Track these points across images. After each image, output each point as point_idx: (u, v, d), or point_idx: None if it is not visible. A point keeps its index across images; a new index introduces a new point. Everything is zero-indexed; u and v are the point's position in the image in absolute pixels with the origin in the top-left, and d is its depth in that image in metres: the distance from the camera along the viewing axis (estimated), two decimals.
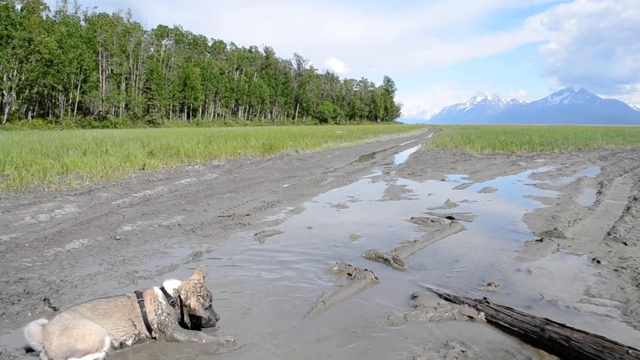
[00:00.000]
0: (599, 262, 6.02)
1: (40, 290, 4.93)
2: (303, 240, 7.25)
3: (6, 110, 65.99)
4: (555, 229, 7.56)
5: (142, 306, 3.87)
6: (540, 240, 7.00)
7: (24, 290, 4.90)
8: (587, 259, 6.23)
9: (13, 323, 4.16)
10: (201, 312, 3.93)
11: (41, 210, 8.79)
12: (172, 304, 3.96)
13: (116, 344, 3.68)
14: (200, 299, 3.96)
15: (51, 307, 4.45)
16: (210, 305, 4.03)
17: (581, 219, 8.54)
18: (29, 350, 3.61)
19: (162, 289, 4.03)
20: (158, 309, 3.90)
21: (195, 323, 4.03)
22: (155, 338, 3.89)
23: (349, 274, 5.50)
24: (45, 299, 4.64)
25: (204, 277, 4.20)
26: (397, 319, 4.29)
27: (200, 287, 4.03)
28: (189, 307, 3.94)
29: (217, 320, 4.07)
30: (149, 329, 3.87)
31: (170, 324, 3.89)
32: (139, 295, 3.94)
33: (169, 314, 3.92)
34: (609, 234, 7.46)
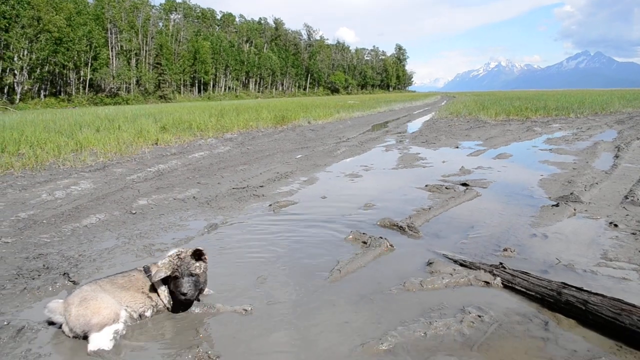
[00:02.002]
0: (616, 225, 5.96)
1: (60, 265, 5.00)
2: (317, 210, 7.25)
3: (19, 90, 66.27)
4: (571, 193, 7.48)
5: (149, 279, 3.92)
6: (557, 205, 6.93)
7: (44, 265, 4.98)
8: (604, 222, 6.17)
9: (34, 297, 4.23)
10: (156, 274, 3.81)
11: (57, 187, 8.88)
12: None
13: (135, 316, 3.75)
14: (169, 262, 3.83)
15: (71, 281, 4.52)
16: (176, 277, 3.80)
17: (598, 183, 8.43)
18: (51, 323, 3.69)
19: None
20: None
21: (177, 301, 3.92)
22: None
23: (364, 242, 5.51)
24: (64, 274, 4.71)
25: (192, 252, 3.91)
26: (413, 286, 4.30)
27: (177, 255, 3.88)
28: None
29: (181, 294, 3.77)
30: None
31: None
32: (147, 269, 3.96)
33: None
34: (626, 197, 7.37)
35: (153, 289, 3.91)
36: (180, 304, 3.92)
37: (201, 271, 3.89)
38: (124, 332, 3.55)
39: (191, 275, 3.82)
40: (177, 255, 3.88)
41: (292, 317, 3.80)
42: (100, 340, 3.37)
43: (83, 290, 3.61)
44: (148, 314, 3.83)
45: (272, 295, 4.18)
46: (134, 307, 3.75)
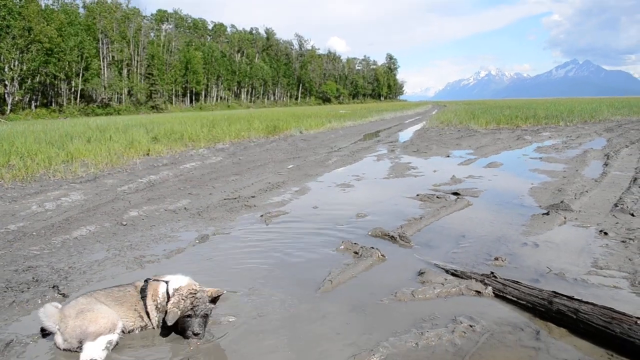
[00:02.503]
0: (606, 233, 5.99)
1: (49, 277, 4.96)
2: (309, 220, 7.25)
3: (9, 101, 65.91)
4: (561, 201, 7.52)
5: (143, 300, 3.83)
6: (547, 214, 6.97)
7: (33, 278, 4.93)
8: (594, 231, 6.21)
9: (23, 310, 4.19)
10: (169, 316, 3.58)
11: (47, 199, 8.82)
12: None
13: (126, 332, 3.71)
14: (182, 302, 3.64)
15: (60, 294, 4.48)
16: (189, 315, 3.62)
17: (588, 191, 8.49)
18: (43, 335, 3.67)
19: (168, 283, 3.88)
20: (157, 307, 3.83)
21: (167, 326, 3.71)
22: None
23: (356, 252, 5.51)
24: (54, 286, 4.67)
25: (211, 294, 3.76)
26: (404, 296, 4.30)
27: (191, 293, 3.70)
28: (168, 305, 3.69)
29: (194, 334, 3.60)
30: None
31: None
32: (143, 289, 3.86)
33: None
34: (616, 205, 7.42)
35: (144, 309, 3.83)
36: (170, 329, 3.76)
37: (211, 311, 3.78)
38: (117, 344, 3.53)
39: (205, 316, 3.70)
40: (192, 294, 3.69)
41: (283, 328, 3.78)
42: (93, 350, 3.33)
43: (79, 303, 3.59)
44: (137, 331, 3.80)
45: (263, 306, 4.15)
46: (125, 324, 3.71)
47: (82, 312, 3.49)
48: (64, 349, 3.47)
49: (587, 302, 3.68)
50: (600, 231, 6.11)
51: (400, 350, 3.40)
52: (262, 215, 7.48)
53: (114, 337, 3.48)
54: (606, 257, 5.19)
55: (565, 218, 6.77)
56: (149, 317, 3.83)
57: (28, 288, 4.66)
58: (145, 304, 3.82)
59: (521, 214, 7.24)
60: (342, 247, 5.74)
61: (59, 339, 3.48)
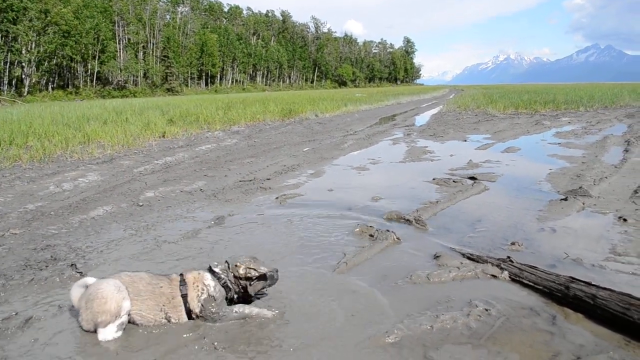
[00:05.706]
0: (625, 220, 5.91)
1: (67, 256, 5.02)
2: (324, 202, 7.23)
3: (27, 83, 66.50)
4: (580, 187, 7.42)
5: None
6: (565, 199, 6.88)
7: (51, 256, 4.99)
8: (613, 217, 6.12)
9: (42, 288, 4.24)
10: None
11: (65, 179, 8.91)
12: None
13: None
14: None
15: (78, 272, 4.53)
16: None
17: (607, 177, 8.37)
18: (69, 310, 3.71)
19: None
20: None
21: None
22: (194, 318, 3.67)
23: (371, 235, 5.49)
24: (72, 265, 4.72)
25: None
26: (419, 279, 4.28)
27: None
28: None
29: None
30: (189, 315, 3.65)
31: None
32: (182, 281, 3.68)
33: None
34: (635, 192, 7.30)
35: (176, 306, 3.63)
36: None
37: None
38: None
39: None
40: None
41: (298, 309, 3.79)
42: (108, 334, 3.36)
43: (97, 285, 3.52)
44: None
45: (277, 287, 4.15)
46: (141, 320, 3.55)
47: (90, 300, 3.40)
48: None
49: (605, 288, 3.64)
50: (620, 217, 6.02)
51: (415, 332, 3.40)
52: (277, 197, 7.49)
53: (124, 319, 3.41)
54: (625, 243, 5.12)
55: (583, 204, 6.68)
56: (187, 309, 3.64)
57: (46, 266, 4.72)
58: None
59: (539, 199, 7.16)
60: (358, 229, 5.73)
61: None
